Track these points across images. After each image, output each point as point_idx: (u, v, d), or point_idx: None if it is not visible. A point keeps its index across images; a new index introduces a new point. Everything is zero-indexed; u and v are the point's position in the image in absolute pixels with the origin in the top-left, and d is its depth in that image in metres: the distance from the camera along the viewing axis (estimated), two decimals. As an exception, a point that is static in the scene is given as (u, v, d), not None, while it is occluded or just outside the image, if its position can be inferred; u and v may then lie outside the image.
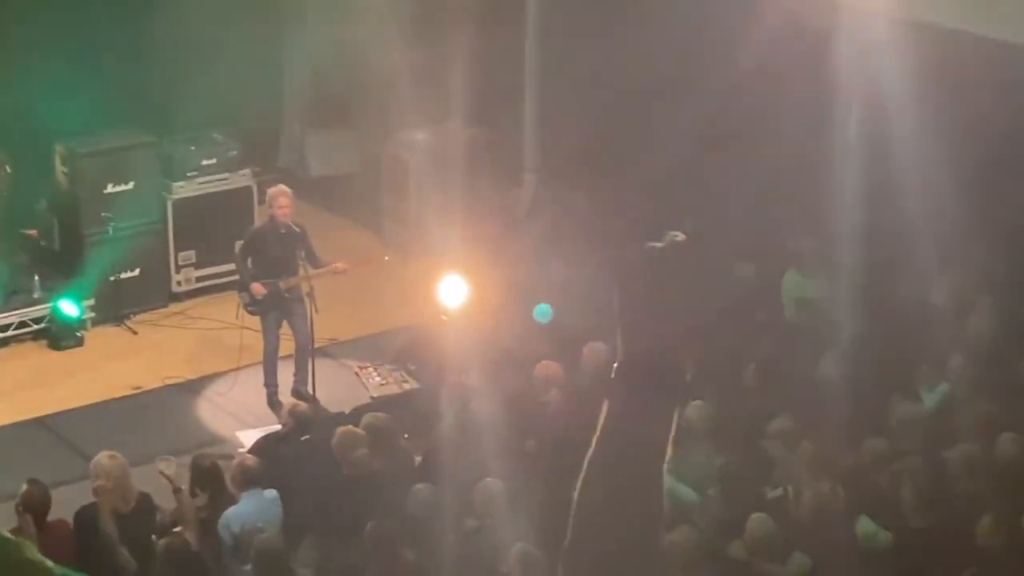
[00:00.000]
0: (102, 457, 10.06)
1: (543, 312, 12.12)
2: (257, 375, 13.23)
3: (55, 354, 14.10)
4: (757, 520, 9.09)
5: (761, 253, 13.25)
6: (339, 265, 13.17)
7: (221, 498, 10.25)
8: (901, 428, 10.27)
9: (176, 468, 9.90)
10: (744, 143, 13.56)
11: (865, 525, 9.37)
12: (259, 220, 13.91)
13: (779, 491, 9.88)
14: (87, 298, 14.31)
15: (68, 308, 14.12)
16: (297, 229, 12.96)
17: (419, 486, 9.85)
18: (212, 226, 14.81)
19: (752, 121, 13.41)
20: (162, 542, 9.39)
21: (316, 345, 13.07)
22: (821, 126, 12.56)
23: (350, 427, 10.72)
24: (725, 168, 13.43)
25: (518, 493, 9.79)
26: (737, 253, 13.29)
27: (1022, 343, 11.14)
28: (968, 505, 9.20)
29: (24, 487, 9.78)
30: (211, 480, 10.31)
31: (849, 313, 12.26)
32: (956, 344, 11.20)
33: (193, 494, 10.17)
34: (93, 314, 14.39)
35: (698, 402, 10.64)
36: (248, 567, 9.45)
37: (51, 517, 9.80)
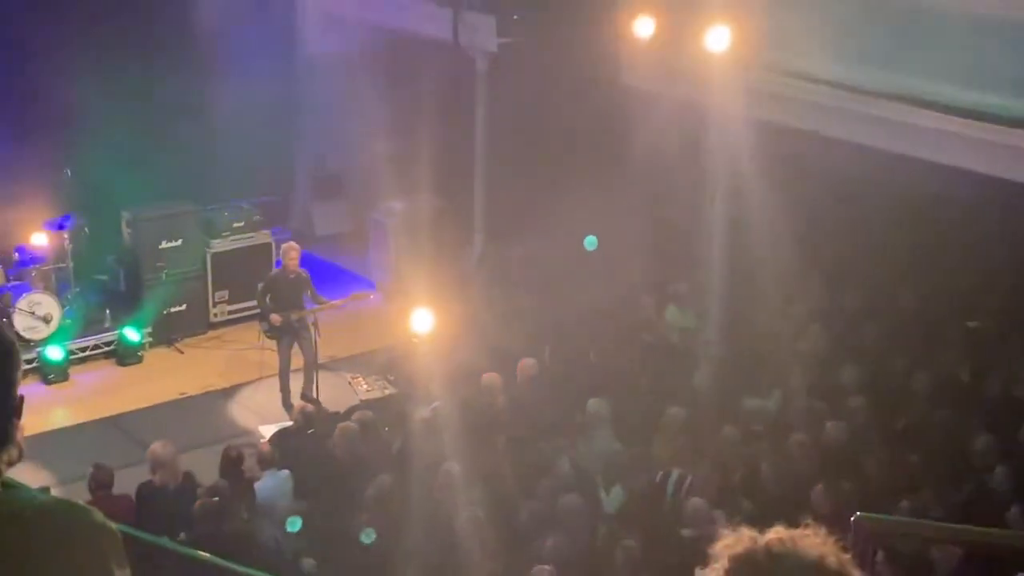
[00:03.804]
0: (156, 445, 10.06)
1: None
2: (274, 384, 13.14)
3: (121, 369, 14.00)
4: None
5: (655, 290, 13.36)
6: (336, 302, 13.21)
7: (242, 478, 10.30)
8: (751, 420, 10.37)
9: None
10: (642, 213, 13.69)
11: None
12: (275, 268, 13.91)
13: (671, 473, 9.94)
14: (146, 327, 14.24)
15: (131, 334, 14.06)
16: (304, 274, 12.98)
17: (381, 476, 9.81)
18: (240, 272, 14.67)
19: (649, 196, 13.57)
20: (197, 504, 9.38)
21: (319, 361, 13.00)
22: (697, 199, 12.72)
23: (347, 423, 10.76)
24: (627, 229, 13.55)
25: (470, 473, 9.83)
26: (638, 288, 13.40)
27: (842, 356, 11.27)
28: (803, 477, 9.31)
29: (91, 469, 9.79)
30: (236, 464, 10.35)
31: (716, 337, 12.40)
32: (794, 359, 11.36)
33: (223, 476, 10.21)
34: (150, 339, 14.29)
35: (599, 399, 10.71)
36: (266, 524, 9.43)
37: (116, 492, 9.81)
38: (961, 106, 10.16)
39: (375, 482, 9.65)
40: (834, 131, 11.15)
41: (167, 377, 13.81)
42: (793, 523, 1.99)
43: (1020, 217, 11.94)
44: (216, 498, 9.54)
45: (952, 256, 12.57)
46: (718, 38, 11.20)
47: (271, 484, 10.13)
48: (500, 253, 14.71)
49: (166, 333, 14.47)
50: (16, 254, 13.89)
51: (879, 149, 10.88)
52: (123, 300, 14.56)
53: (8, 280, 13.68)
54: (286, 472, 10.26)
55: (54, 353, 13.44)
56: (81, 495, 9.43)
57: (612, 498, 9.63)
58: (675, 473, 9.69)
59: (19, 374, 2.42)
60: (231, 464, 10.25)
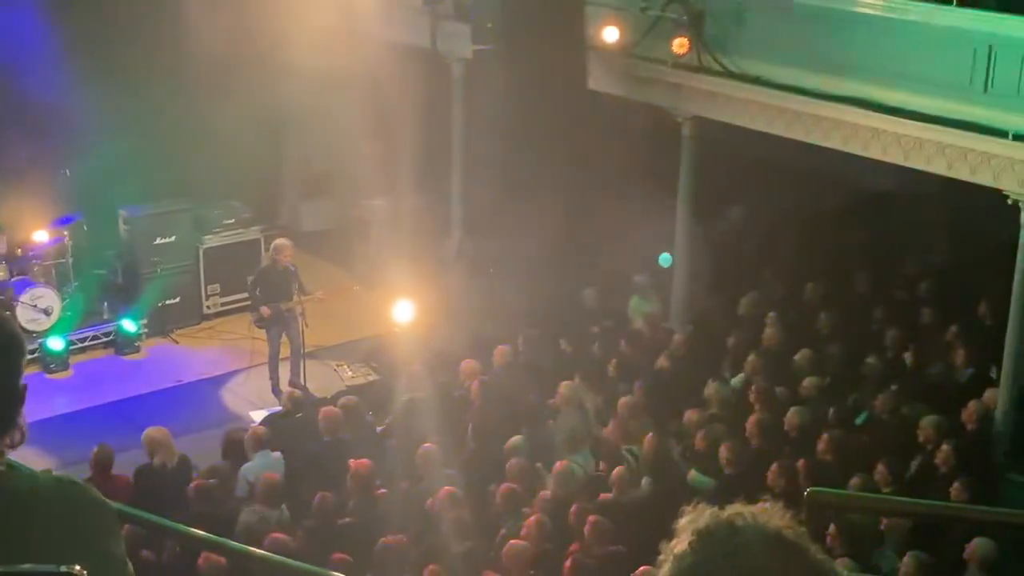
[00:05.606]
0: (150, 430, 10.04)
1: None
2: (264, 371, 13.15)
3: (120, 358, 13.96)
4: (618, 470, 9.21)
5: (605, 282, 13.36)
6: (320, 294, 13.17)
7: (243, 459, 10.25)
8: (713, 402, 10.38)
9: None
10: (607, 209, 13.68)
11: (694, 475, 9.46)
12: (264, 261, 13.86)
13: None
14: (142, 318, 14.19)
15: (129, 325, 14.02)
16: (292, 267, 12.93)
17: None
18: (231, 266, 14.66)
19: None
20: (192, 485, 9.34)
21: (306, 349, 12.99)
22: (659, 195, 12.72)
23: (331, 407, 10.72)
24: (593, 224, 13.55)
25: (449, 454, 9.81)
26: (603, 279, 13.40)
27: (796, 343, 11.31)
28: (760, 456, 9.33)
29: (95, 449, 9.75)
30: (238, 447, 10.30)
31: (677, 323, 12.42)
32: (752, 344, 11.38)
33: (225, 457, 10.15)
34: (147, 329, 14.24)
35: (570, 381, 10.73)
36: (257, 505, 9.39)
37: (115, 472, 9.77)
38: (908, 108, 10.25)
39: (358, 462, 9.64)
40: (791, 132, 11.20)
41: (163, 366, 13.78)
42: (752, 500, 2.00)
43: (962, 211, 12.03)
44: (214, 480, 9.50)
45: (899, 248, 12.64)
46: (679, 45, 11.30)
47: (262, 465, 10.08)
48: (476, 247, 14.71)
49: (162, 324, 14.43)
50: (19, 250, 13.80)
51: (833, 149, 10.94)
52: (121, 293, 14.53)
53: (11, 275, 13.60)
54: (277, 454, 10.23)
55: (55, 344, 13.40)
56: (81, 477, 9.38)
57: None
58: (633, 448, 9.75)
59: (23, 362, 2.43)
60: (234, 446, 10.21)
